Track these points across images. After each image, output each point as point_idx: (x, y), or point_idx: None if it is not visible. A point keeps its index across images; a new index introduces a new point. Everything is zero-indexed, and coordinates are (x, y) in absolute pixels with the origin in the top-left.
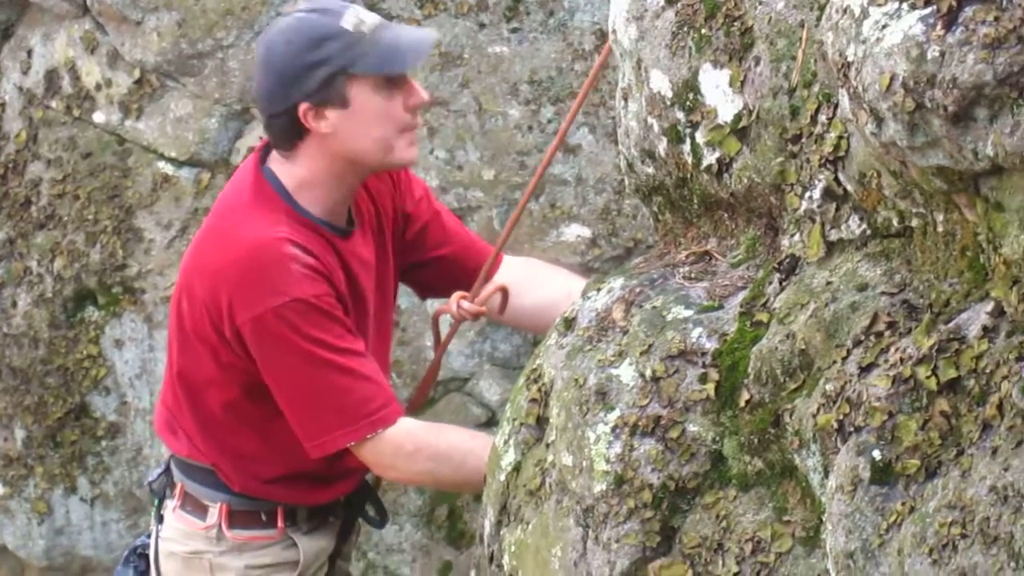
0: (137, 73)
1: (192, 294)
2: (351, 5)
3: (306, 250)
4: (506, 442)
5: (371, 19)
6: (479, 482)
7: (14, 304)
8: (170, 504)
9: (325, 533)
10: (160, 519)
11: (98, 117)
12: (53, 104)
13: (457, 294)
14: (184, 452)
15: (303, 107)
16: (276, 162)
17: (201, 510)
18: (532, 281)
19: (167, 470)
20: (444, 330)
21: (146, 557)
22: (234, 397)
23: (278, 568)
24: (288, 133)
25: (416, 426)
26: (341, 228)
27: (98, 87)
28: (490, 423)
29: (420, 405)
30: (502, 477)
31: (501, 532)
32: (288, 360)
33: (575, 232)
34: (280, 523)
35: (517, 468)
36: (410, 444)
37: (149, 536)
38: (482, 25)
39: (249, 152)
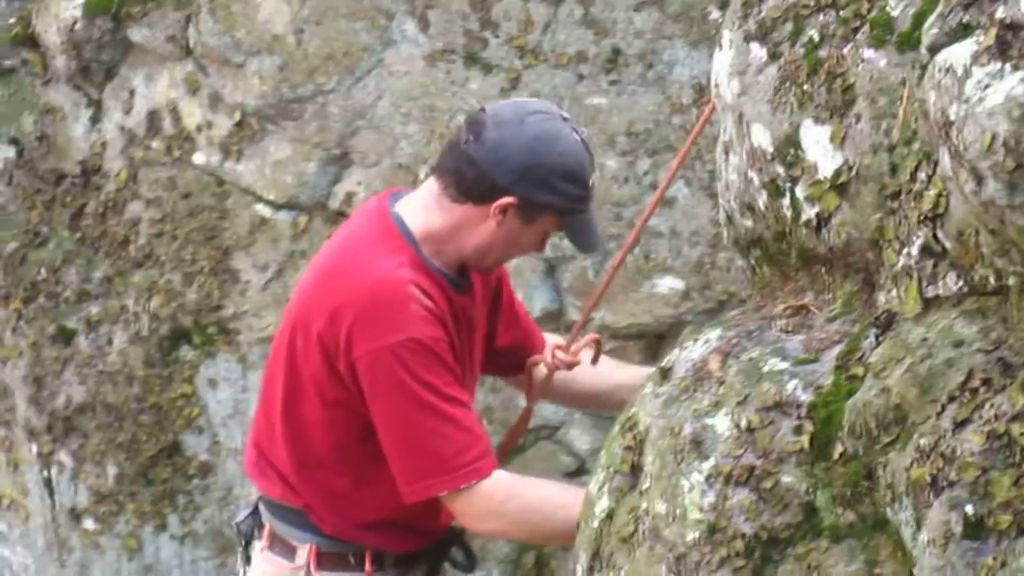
0: (238, 115)
1: (308, 329)
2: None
3: (426, 293)
4: (600, 489)
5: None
6: (569, 535)
7: (110, 342)
8: (258, 545)
9: (414, 575)
10: (247, 560)
11: (198, 158)
12: (154, 144)
13: (552, 343)
14: (276, 493)
15: (510, 199)
16: (407, 208)
17: (289, 551)
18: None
19: (255, 511)
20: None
21: None
22: (340, 437)
23: None
24: (475, 192)
25: (508, 478)
26: (457, 282)
27: (199, 128)
28: (579, 472)
29: (509, 452)
30: (595, 524)
31: None
32: (396, 399)
33: (668, 284)
34: (368, 567)
35: (610, 515)
36: (501, 494)
37: None
38: (581, 76)
39: (347, 196)
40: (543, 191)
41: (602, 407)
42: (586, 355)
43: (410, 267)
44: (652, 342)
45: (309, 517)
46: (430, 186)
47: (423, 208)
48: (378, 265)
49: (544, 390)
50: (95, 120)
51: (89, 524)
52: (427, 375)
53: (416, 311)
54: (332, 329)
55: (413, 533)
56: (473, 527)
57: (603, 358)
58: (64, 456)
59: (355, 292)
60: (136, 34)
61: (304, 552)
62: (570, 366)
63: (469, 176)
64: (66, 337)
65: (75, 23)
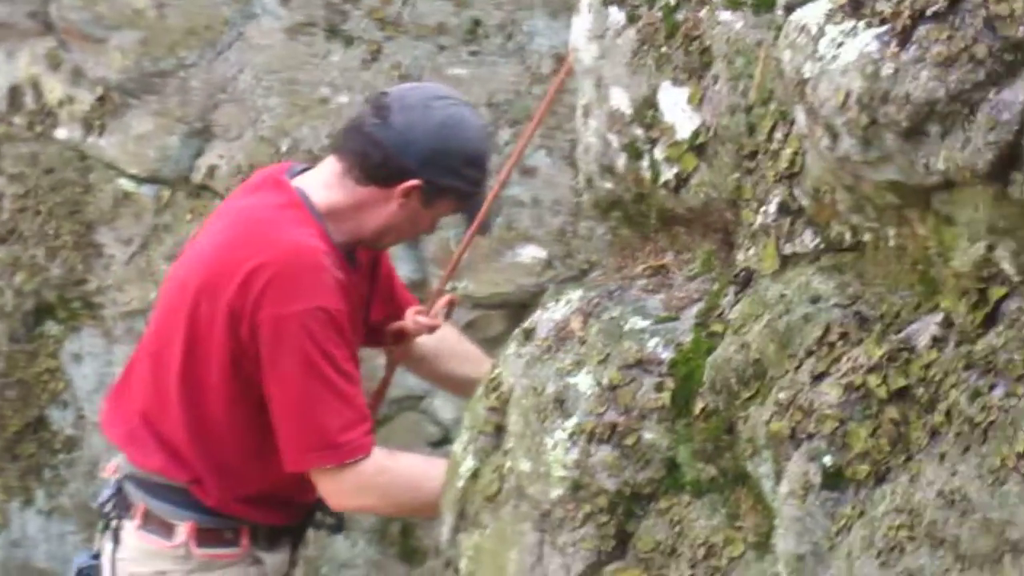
0: (99, 90)
1: (215, 296)
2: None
3: (336, 264)
4: (464, 449)
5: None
6: (435, 506)
7: None
8: (128, 525)
9: (283, 546)
10: (116, 539)
11: (60, 133)
12: (16, 120)
13: (412, 308)
14: (155, 466)
15: (415, 182)
16: (312, 184)
17: (166, 529)
18: (466, 352)
19: (118, 491)
20: None
21: None
22: (239, 408)
23: None
24: (380, 175)
25: (376, 453)
26: (352, 259)
27: (61, 104)
28: (444, 441)
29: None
30: (460, 484)
31: (458, 537)
32: (295, 366)
33: (531, 253)
34: (244, 541)
35: (475, 475)
36: (371, 468)
37: (96, 557)
38: (441, 48)
39: (209, 169)
40: (448, 175)
41: (462, 393)
42: (444, 320)
43: (320, 239)
44: (515, 311)
45: (192, 492)
46: (330, 166)
47: (324, 186)
48: (293, 232)
49: (406, 357)
50: None
51: None
52: (329, 346)
53: (327, 280)
54: (242, 292)
55: (289, 507)
56: (340, 504)
57: (475, 348)
58: None
59: (271, 256)
60: None
61: (183, 530)
62: (431, 329)
63: (375, 158)
64: None
65: None
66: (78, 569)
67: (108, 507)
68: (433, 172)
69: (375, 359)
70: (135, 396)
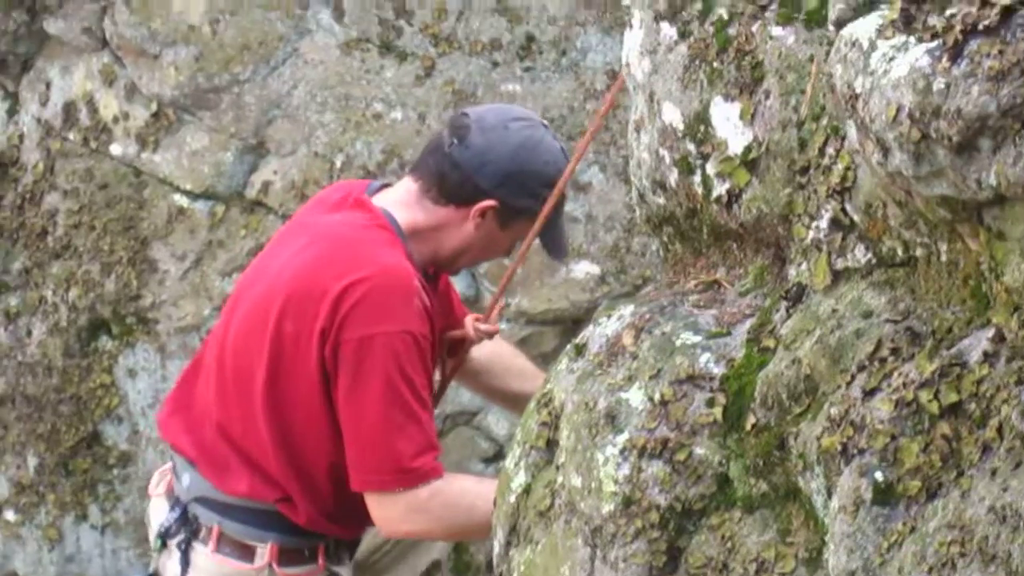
0: (154, 106)
1: (302, 314)
2: None
3: (425, 289)
4: (516, 464)
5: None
6: (488, 527)
7: (29, 333)
8: (201, 548)
9: (350, 560)
10: (185, 562)
11: (115, 149)
12: (71, 136)
13: (471, 316)
14: (242, 491)
15: (491, 203)
16: (393, 204)
17: (245, 551)
18: (521, 368)
19: (184, 514)
20: None
21: None
22: (325, 423)
23: None
24: (457, 195)
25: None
26: (431, 279)
27: (115, 120)
28: (498, 457)
29: None
30: (512, 499)
31: (510, 553)
32: (376, 387)
33: (584, 269)
34: (321, 560)
35: (527, 490)
36: (425, 492)
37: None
38: (495, 64)
39: (264, 185)
40: (524, 196)
41: (516, 408)
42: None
43: (409, 261)
44: (569, 327)
45: (281, 511)
46: (407, 186)
47: (404, 206)
48: (384, 253)
49: (460, 370)
50: (11, 112)
51: (10, 515)
52: (411, 370)
53: (417, 305)
54: (332, 310)
55: (362, 521)
56: (393, 529)
57: (529, 363)
58: None
59: (364, 275)
60: (52, 26)
61: (265, 551)
62: (490, 335)
63: (453, 179)
64: None
65: None
66: None
67: (172, 529)
68: (509, 193)
69: None
70: (205, 408)
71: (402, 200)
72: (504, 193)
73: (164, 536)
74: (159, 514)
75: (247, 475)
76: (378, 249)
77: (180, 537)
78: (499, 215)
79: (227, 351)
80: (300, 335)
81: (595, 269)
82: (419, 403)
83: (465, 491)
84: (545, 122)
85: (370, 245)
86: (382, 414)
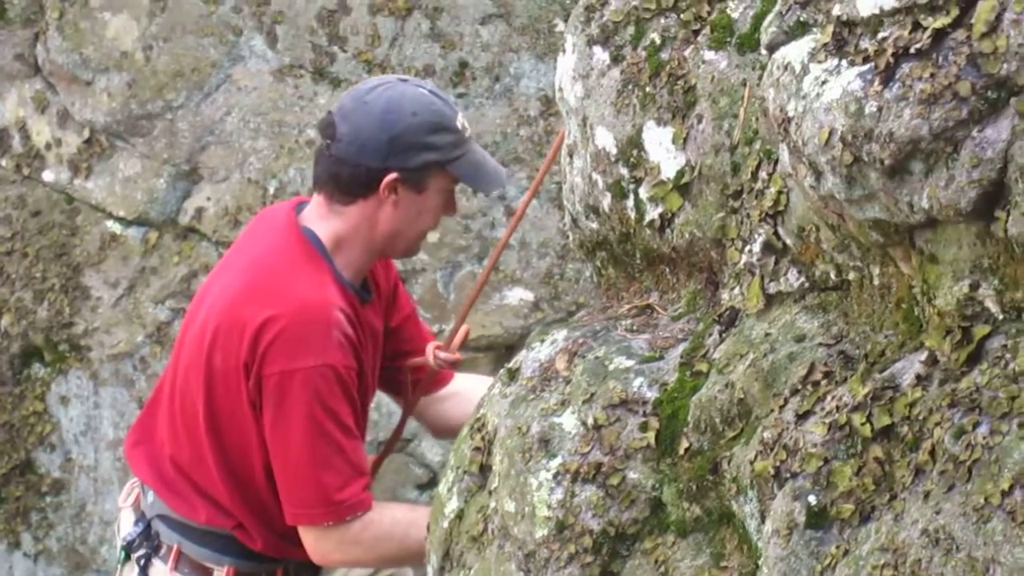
0: (87, 133)
1: (227, 348)
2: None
3: (348, 318)
4: (450, 489)
5: (468, 127)
6: (421, 554)
7: None
8: (160, 564)
9: None
10: None
11: (47, 176)
12: (3, 162)
13: (432, 344)
14: (201, 519)
15: (392, 176)
16: (312, 220)
17: (204, 572)
18: None
19: (147, 528)
20: None
21: None
22: (265, 451)
23: None
24: (357, 186)
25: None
26: (363, 295)
27: (48, 146)
28: (432, 484)
29: (379, 466)
30: (445, 524)
31: None
32: (298, 422)
33: (518, 296)
34: None
35: (460, 515)
36: (358, 524)
37: None
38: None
39: (197, 211)
40: (417, 153)
41: None
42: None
43: (332, 286)
44: (502, 353)
45: (237, 538)
46: (316, 200)
47: (321, 220)
48: (303, 285)
49: (422, 398)
50: None
51: None
52: (333, 403)
53: (336, 337)
54: (252, 346)
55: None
56: (326, 559)
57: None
58: None
59: (281, 310)
60: None
61: (221, 573)
62: (453, 364)
63: (345, 175)
64: None
65: None
66: None
67: (135, 543)
68: (401, 158)
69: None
70: (162, 440)
71: (318, 215)
72: (397, 161)
73: (128, 549)
74: (125, 526)
75: (203, 505)
76: (299, 280)
77: (142, 552)
78: (407, 182)
79: (176, 384)
80: (228, 368)
81: (529, 295)
82: (344, 433)
83: (396, 521)
84: (403, 76)
85: (291, 276)
86: (307, 448)
